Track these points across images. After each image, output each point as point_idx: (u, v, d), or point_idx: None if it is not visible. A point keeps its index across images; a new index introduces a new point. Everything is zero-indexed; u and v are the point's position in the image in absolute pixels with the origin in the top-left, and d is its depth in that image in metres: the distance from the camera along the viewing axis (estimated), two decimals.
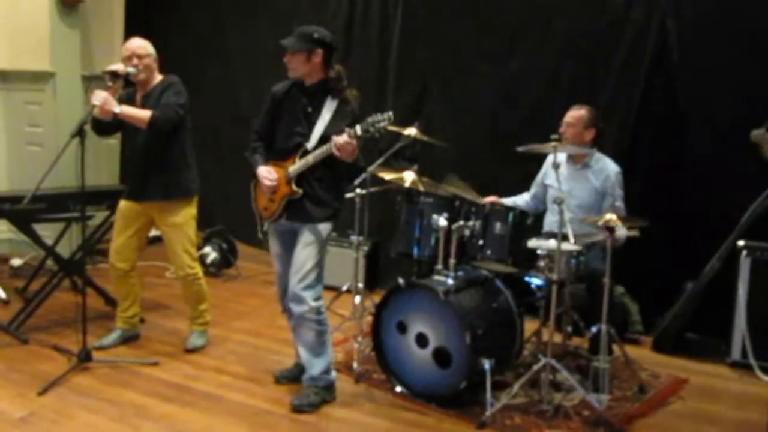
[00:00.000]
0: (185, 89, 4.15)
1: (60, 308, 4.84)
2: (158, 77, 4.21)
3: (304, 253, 3.61)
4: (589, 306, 4.16)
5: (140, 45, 4.13)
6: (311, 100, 3.62)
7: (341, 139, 3.43)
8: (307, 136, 3.60)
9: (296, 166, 3.58)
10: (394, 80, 5.93)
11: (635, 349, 4.59)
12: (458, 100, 5.67)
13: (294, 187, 3.59)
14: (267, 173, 3.64)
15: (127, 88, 4.27)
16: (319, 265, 3.65)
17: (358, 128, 3.43)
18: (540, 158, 4.63)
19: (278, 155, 3.69)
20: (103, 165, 6.85)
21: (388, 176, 4.25)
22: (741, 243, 4.38)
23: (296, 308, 3.62)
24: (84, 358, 3.93)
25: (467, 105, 5.62)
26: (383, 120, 3.42)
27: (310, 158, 3.55)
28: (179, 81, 4.17)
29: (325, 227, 3.65)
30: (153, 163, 4.12)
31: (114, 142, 6.87)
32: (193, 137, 4.28)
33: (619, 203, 4.34)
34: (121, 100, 4.18)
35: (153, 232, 4.51)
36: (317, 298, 3.64)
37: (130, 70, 4.03)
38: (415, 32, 5.81)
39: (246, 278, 6.13)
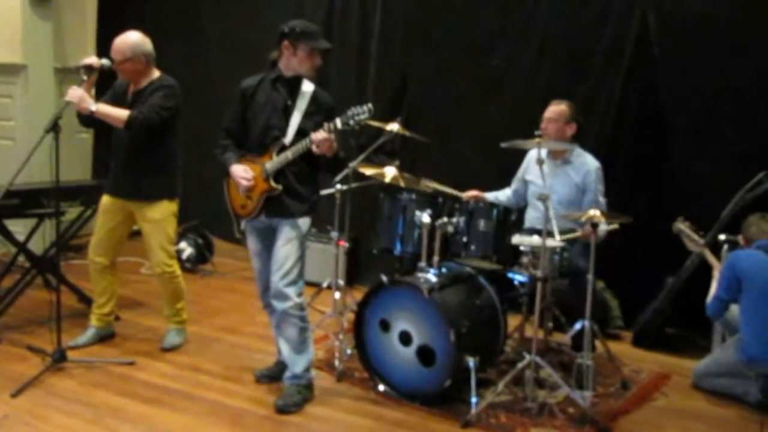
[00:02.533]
0: (178, 93, 4.05)
1: (33, 306, 4.71)
2: (153, 75, 4.10)
3: (285, 249, 3.54)
4: (571, 302, 4.15)
5: (115, 48, 3.97)
6: (290, 93, 3.55)
7: (320, 135, 3.36)
8: (284, 131, 3.52)
9: (274, 162, 3.50)
10: (374, 76, 5.87)
11: (616, 344, 4.58)
12: (438, 96, 5.62)
13: (273, 183, 3.51)
14: (243, 172, 3.55)
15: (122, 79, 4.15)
16: (301, 260, 3.59)
17: (338, 122, 3.36)
18: (521, 154, 4.61)
19: (253, 151, 3.60)
20: (76, 160, 6.69)
21: (368, 172, 4.19)
22: (722, 237, 4.38)
23: (280, 305, 3.55)
24: (58, 358, 3.83)
25: (447, 100, 5.58)
26: (363, 113, 3.35)
27: (288, 154, 3.47)
28: (173, 85, 4.07)
29: (304, 221, 3.59)
30: (137, 163, 4.03)
31: (86, 136, 6.75)
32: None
33: (601, 198, 4.35)
34: (115, 93, 4.08)
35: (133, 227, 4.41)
36: (300, 294, 3.59)
37: (105, 62, 3.93)
38: (395, 27, 5.75)
39: (222, 274, 6.04)
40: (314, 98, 3.55)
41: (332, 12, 6.05)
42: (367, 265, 5.63)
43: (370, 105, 3.38)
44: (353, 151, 4.86)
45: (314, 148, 3.39)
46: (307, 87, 3.55)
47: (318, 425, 3.47)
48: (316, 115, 3.52)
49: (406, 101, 5.75)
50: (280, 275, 3.53)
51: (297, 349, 3.61)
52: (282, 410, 3.53)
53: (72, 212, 4.77)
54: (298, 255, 3.56)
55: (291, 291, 3.53)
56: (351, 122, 3.35)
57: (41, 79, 6.13)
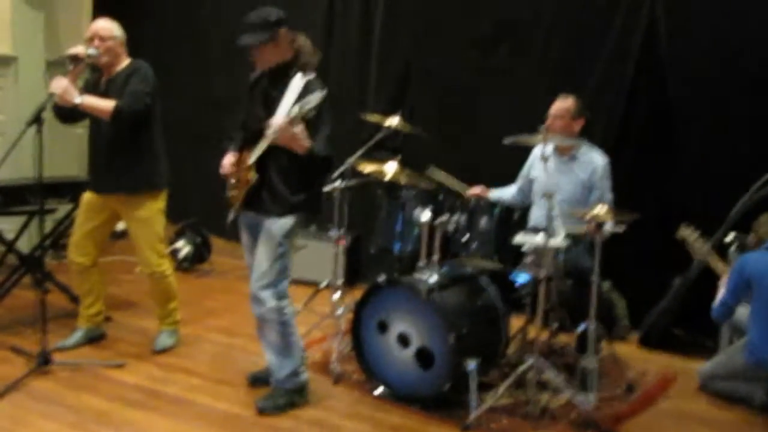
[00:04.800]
0: (152, 75, 3.92)
1: (21, 307, 4.58)
2: (125, 61, 3.98)
3: (261, 250, 3.41)
4: (576, 302, 4.01)
5: (104, 26, 3.90)
6: (274, 83, 3.41)
7: (272, 122, 3.21)
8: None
9: (254, 150, 3.38)
10: (376, 67, 5.76)
11: (622, 345, 4.48)
12: (442, 87, 5.50)
13: (252, 172, 3.38)
14: (226, 160, 3.51)
15: (95, 73, 4.03)
16: (279, 262, 3.40)
17: (296, 108, 3.16)
18: (527, 148, 4.47)
19: (249, 142, 3.48)
20: (73, 155, 6.55)
21: (368, 168, 4.05)
22: (730, 237, 4.27)
23: (256, 309, 3.44)
24: (43, 360, 3.69)
25: (452, 94, 5.46)
26: (316, 98, 3.15)
27: (263, 143, 3.33)
28: (147, 66, 3.94)
29: (284, 222, 3.39)
30: (118, 154, 3.89)
31: (83, 131, 6.59)
32: (164, 125, 4.05)
33: (608, 194, 4.21)
34: (87, 84, 3.96)
35: (120, 226, 4.27)
36: (280, 298, 3.42)
37: (91, 52, 3.79)
38: (399, 17, 5.63)
39: (220, 273, 5.92)
40: (307, 84, 3.33)
41: (333, 2, 5.94)
42: (370, 264, 5.50)
43: (324, 92, 3.20)
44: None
45: (272, 136, 3.23)
46: (299, 79, 3.35)
47: (311, 429, 3.33)
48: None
49: (409, 95, 5.63)
50: (255, 278, 3.42)
51: (280, 354, 3.48)
52: (261, 411, 3.43)
53: (63, 209, 4.65)
54: (274, 257, 3.39)
55: (266, 295, 3.39)
56: (307, 107, 3.15)
57: (32, 71, 5.96)
